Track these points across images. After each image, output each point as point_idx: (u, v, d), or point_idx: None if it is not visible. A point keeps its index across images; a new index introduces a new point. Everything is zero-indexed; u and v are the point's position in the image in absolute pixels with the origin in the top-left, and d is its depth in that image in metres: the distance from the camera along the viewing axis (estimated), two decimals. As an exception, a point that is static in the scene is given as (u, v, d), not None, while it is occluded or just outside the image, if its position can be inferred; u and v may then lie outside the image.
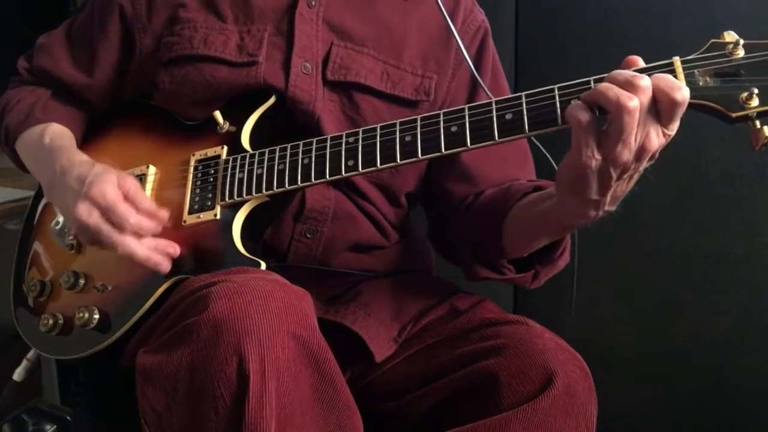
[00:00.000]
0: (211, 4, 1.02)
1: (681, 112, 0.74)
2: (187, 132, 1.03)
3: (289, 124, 1.00)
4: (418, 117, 0.86)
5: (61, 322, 0.99)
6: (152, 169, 1.01)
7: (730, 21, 1.40)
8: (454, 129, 0.83)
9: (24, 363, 1.04)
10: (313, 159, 0.90)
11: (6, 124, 1.08)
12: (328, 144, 0.89)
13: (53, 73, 1.10)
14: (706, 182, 1.49)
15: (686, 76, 0.75)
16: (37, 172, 1.07)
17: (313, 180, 0.89)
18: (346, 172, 0.87)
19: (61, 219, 1.07)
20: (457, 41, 1.02)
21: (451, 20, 1.06)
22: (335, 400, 0.78)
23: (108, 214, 0.88)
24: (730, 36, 0.77)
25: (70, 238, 1.03)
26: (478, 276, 1.04)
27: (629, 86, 0.73)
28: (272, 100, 0.99)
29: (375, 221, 1.07)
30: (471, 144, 0.82)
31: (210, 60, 1.00)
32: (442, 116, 0.84)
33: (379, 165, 0.86)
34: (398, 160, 0.85)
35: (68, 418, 1.04)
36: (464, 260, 1.07)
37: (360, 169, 0.87)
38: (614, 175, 0.77)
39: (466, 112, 0.83)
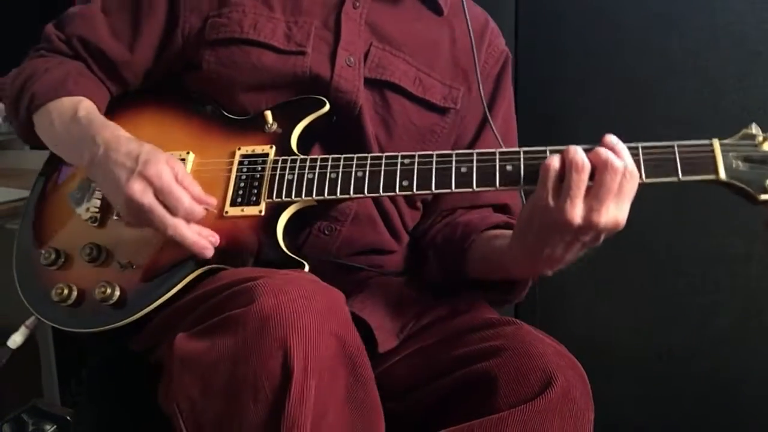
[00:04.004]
0: None
1: (631, 188, 0.83)
2: (231, 125, 1.04)
3: (330, 133, 1.04)
4: (474, 152, 0.91)
5: (75, 293, 0.96)
6: (192, 156, 1.01)
7: (730, 21, 1.43)
8: (509, 168, 0.89)
9: (21, 329, 0.99)
10: (367, 173, 0.93)
11: (33, 91, 1.03)
12: (383, 162, 0.93)
13: (95, 44, 1.08)
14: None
15: (723, 158, 0.85)
16: (64, 143, 1.03)
17: (366, 193, 0.92)
18: (400, 191, 0.91)
19: (80, 189, 1.05)
20: (474, 60, 1.09)
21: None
22: (365, 401, 0.80)
23: (163, 195, 0.89)
24: (756, 129, 0.88)
25: (95, 209, 1.01)
26: (435, 280, 1.10)
27: (594, 155, 0.82)
28: (326, 107, 1.02)
29: (392, 225, 1.11)
30: (524, 184, 0.89)
31: (258, 45, 1.03)
32: (498, 155, 0.90)
33: (434, 189, 0.91)
34: (453, 188, 0.90)
35: (68, 418, 1.00)
36: (430, 265, 1.12)
37: (414, 190, 0.91)
38: (556, 233, 0.84)
39: (522, 155, 0.90)
